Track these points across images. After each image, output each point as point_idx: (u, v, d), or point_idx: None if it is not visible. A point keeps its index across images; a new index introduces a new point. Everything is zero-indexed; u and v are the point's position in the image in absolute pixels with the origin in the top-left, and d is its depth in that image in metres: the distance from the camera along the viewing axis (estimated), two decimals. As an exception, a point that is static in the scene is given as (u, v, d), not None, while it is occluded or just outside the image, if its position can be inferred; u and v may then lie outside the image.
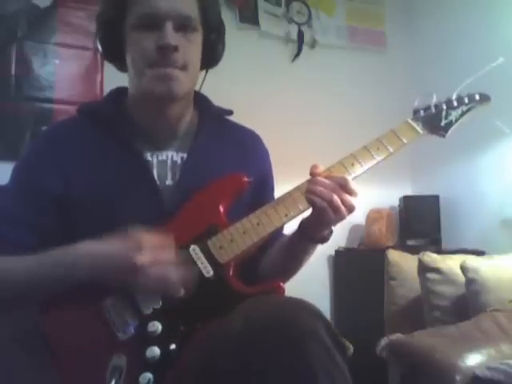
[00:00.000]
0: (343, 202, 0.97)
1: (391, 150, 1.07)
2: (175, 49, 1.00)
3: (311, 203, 0.98)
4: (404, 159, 2.92)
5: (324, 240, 1.06)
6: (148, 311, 0.93)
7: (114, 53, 1.08)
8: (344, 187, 0.98)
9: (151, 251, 0.89)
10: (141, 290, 0.92)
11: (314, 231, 1.04)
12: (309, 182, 1.00)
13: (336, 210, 0.97)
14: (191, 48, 1.04)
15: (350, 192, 0.99)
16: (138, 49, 1.02)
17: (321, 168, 1.02)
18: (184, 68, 1.02)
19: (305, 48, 2.87)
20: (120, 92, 1.14)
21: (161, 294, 0.93)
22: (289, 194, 1.01)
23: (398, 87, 2.90)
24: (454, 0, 2.81)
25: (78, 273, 0.91)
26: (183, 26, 1.02)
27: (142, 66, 1.02)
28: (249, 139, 1.21)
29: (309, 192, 0.99)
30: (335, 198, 0.97)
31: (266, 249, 1.13)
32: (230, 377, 0.80)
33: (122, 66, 1.10)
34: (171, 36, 0.99)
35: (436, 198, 2.73)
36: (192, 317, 0.94)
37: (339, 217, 0.98)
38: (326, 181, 0.98)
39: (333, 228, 1.05)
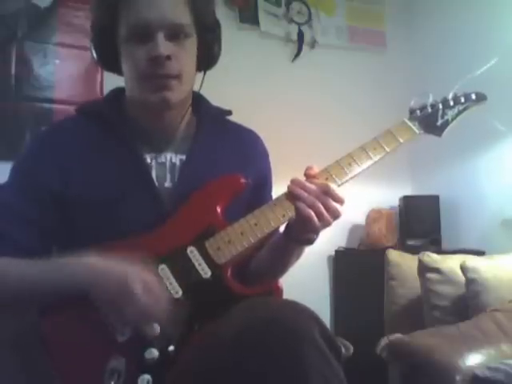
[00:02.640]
0: (327, 208, 0.96)
1: (388, 149, 1.07)
2: (168, 58, 0.99)
3: (295, 209, 0.97)
4: (404, 159, 2.92)
5: (309, 242, 1.04)
6: None
7: (110, 62, 1.08)
8: (327, 193, 0.97)
9: (145, 280, 0.88)
10: (123, 316, 0.89)
11: (298, 234, 1.02)
12: (292, 184, 0.99)
13: (319, 216, 0.96)
14: (185, 55, 1.03)
15: (336, 198, 0.97)
16: (131, 61, 1.02)
17: (315, 169, 1.02)
18: (178, 76, 1.02)
19: (305, 48, 2.87)
20: (119, 93, 1.14)
21: (137, 325, 0.90)
22: (286, 195, 1.00)
23: (397, 87, 2.90)
24: (454, 0, 2.81)
25: (77, 286, 0.90)
26: (175, 34, 1.01)
27: (137, 78, 1.02)
28: (248, 140, 1.20)
29: (293, 197, 0.98)
30: (317, 204, 0.96)
31: (259, 248, 1.12)
32: (228, 378, 0.79)
33: (118, 72, 1.09)
34: (163, 46, 0.98)
35: (436, 198, 2.73)
36: (190, 318, 0.94)
37: (323, 223, 0.97)
38: (312, 186, 0.98)
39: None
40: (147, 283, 0.88)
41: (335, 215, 0.97)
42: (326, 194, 0.97)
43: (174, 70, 1.00)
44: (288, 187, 1.00)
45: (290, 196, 0.99)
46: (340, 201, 0.98)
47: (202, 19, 1.06)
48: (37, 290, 0.94)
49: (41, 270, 0.94)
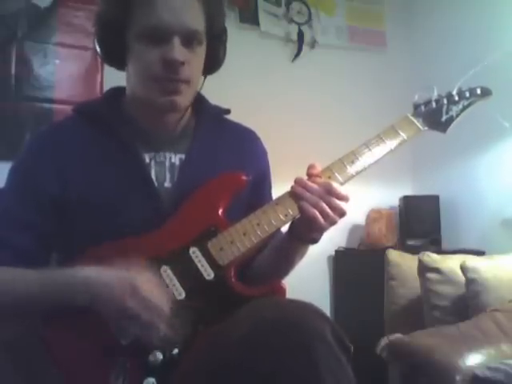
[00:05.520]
0: (331, 207, 0.96)
1: (391, 146, 1.05)
2: (182, 63, 0.99)
3: (299, 209, 0.97)
4: (404, 159, 2.92)
5: (314, 241, 1.04)
6: None
7: (114, 56, 1.06)
8: (330, 192, 0.97)
9: (144, 298, 0.87)
10: (123, 328, 0.90)
11: (303, 234, 1.02)
12: (295, 184, 0.99)
13: (324, 215, 0.96)
14: (196, 61, 1.03)
15: (339, 196, 0.97)
16: (142, 61, 1.00)
17: (318, 168, 1.01)
18: (188, 82, 1.02)
19: (305, 48, 2.86)
20: (117, 92, 1.13)
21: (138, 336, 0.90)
22: (288, 194, 1.00)
23: (398, 87, 2.90)
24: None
25: (78, 302, 0.90)
26: (190, 40, 1.00)
27: (146, 79, 1.01)
28: (247, 138, 1.20)
29: (296, 197, 0.97)
30: (321, 203, 0.95)
31: (261, 248, 1.11)
32: (234, 380, 0.80)
33: (120, 67, 1.08)
34: (178, 51, 0.98)
35: (436, 198, 2.73)
36: (194, 320, 0.94)
37: (329, 222, 0.97)
38: (314, 185, 0.97)
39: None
40: (146, 298, 0.87)
41: (340, 213, 0.97)
42: (329, 192, 0.97)
43: (185, 76, 1.00)
44: (291, 187, 0.99)
45: (293, 195, 0.99)
46: (344, 198, 0.97)
47: (213, 27, 1.06)
48: (37, 304, 0.93)
49: (41, 284, 0.93)
